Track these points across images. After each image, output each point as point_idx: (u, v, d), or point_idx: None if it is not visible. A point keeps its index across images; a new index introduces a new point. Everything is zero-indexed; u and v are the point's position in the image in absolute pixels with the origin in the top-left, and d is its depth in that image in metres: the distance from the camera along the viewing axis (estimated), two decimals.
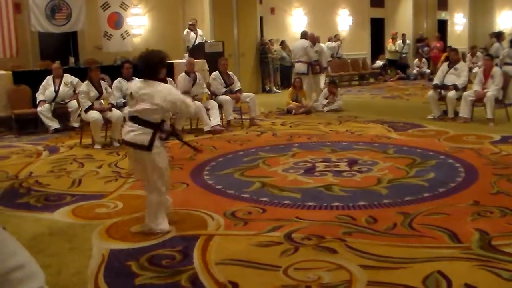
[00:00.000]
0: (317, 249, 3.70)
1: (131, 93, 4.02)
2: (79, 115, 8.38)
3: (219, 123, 8.93)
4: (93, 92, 7.89)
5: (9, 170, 6.44)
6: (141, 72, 4.09)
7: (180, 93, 4.23)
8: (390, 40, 19.26)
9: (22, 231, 4.32)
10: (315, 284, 3.16)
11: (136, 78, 8.33)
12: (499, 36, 15.11)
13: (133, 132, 3.95)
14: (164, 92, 3.94)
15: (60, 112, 9.34)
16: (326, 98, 11.03)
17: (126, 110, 4.10)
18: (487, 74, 9.01)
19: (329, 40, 17.19)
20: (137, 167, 4.22)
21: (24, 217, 4.69)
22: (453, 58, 9.70)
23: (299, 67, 11.62)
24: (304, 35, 11.86)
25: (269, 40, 15.49)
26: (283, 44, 15.88)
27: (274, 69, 15.38)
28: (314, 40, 11.78)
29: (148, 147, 3.90)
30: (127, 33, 12.82)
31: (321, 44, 12.27)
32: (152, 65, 4.00)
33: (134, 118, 3.99)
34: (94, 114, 7.67)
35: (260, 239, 3.94)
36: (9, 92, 9.47)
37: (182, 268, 3.45)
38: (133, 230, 4.20)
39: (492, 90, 8.73)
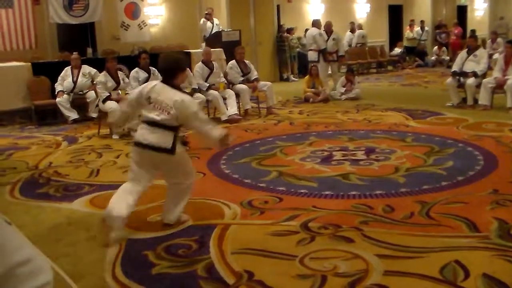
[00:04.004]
0: (334, 238, 3.69)
1: (149, 97, 3.79)
2: (97, 105, 8.44)
3: (236, 112, 8.93)
4: (111, 83, 7.94)
5: (29, 160, 6.51)
6: (161, 75, 4.02)
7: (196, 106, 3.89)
8: (408, 27, 19.04)
9: (41, 220, 4.39)
10: (331, 273, 3.16)
11: (153, 68, 8.45)
12: None
13: (153, 134, 3.77)
14: (180, 104, 3.72)
15: (79, 102, 9.41)
16: (344, 86, 10.98)
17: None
18: (508, 61, 8.87)
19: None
20: (148, 170, 3.91)
21: (44, 207, 4.75)
22: (472, 44, 9.56)
23: (310, 55, 11.64)
24: (315, 23, 11.78)
25: (290, 28, 15.40)
26: (306, 32, 15.78)
27: (291, 58, 15.32)
28: (330, 29, 11.70)
29: (172, 150, 3.76)
30: (144, 23, 12.85)
31: (338, 33, 12.14)
32: (168, 69, 3.87)
33: (152, 122, 3.79)
34: (111, 105, 7.70)
35: (276, 228, 3.95)
36: (29, 83, 9.57)
37: (199, 257, 3.47)
38: (149, 219, 4.23)
39: None
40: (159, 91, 3.78)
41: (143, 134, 3.80)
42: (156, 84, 3.88)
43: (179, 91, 3.83)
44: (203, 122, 3.84)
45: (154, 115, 3.75)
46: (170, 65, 3.88)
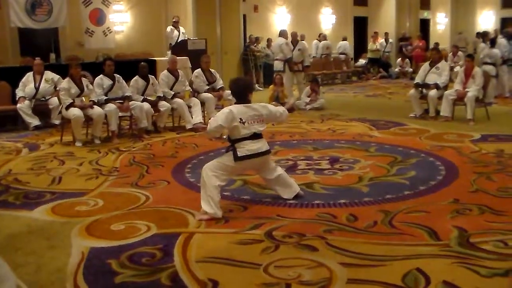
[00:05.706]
0: (298, 247, 3.71)
1: (241, 118, 4.47)
2: (60, 112, 8.30)
3: (201, 120, 8.90)
4: (74, 89, 7.81)
5: None
6: (237, 98, 4.73)
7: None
8: (371, 38, 19.38)
9: (0, 229, 4.27)
10: (295, 281, 3.17)
11: (118, 75, 8.36)
12: (484, 36, 15.25)
13: (261, 143, 4.56)
14: (265, 107, 4.70)
15: (41, 109, 9.24)
16: (308, 96, 11.08)
17: (244, 130, 4.51)
18: (468, 74, 9.10)
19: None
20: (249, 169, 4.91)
21: (2, 215, 4.63)
22: (434, 57, 9.77)
23: (276, 65, 11.67)
24: (282, 34, 11.86)
25: (256, 38, 15.48)
26: (268, 42, 15.90)
27: (257, 67, 15.38)
28: (295, 39, 11.80)
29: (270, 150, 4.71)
30: (109, 29, 12.72)
31: (304, 43, 12.25)
32: (242, 91, 4.69)
33: (255, 134, 4.53)
34: (75, 111, 7.59)
35: (241, 236, 3.94)
36: None
37: (163, 266, 3.44)
38: (113, 228, 4.18)
39: (473, 90, 8.81)
40: (245, 111, 4.52)
41: (251, 146, 4.49)
42: (235, 108, 4.55)
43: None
44: (279, 111, 4.83)
45: (255, 129, 4.52)
46: (244, 88, 4.74)
